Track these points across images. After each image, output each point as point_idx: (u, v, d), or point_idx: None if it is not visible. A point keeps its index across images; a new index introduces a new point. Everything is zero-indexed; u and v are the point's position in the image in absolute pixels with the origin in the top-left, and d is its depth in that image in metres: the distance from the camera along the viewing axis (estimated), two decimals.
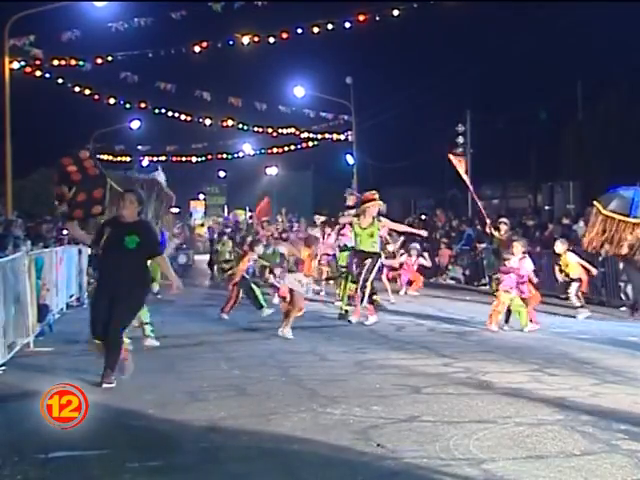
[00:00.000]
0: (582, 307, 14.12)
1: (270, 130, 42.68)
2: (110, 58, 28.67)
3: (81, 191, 8.99)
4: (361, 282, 12.96)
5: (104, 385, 7.80)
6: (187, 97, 35.48)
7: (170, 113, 37.54)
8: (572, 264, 14.22)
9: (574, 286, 14.18)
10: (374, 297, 13.71)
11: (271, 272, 12.96)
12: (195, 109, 37.82)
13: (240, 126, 41.22)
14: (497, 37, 39.06)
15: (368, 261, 13.02)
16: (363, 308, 13.22)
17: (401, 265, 19.49)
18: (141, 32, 26.46)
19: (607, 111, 33.12)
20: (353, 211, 14.77)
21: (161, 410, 7.00)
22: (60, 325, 12.81)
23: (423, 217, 28.29)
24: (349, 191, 17.26)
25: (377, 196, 13.46)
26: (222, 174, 62.99)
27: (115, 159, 49.26)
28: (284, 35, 27.80)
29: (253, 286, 14.13)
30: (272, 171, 57.24)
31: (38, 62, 28.14)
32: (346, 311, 13.50)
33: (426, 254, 21.12)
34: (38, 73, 28.93)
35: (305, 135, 44.27)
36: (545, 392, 7.57)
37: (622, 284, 15.28)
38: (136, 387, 7.98)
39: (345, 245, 15.48)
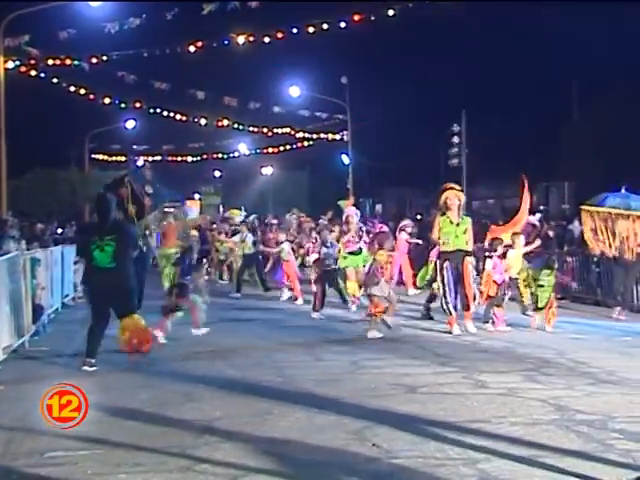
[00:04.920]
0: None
1: (265, 130, 42.74)
2: (105, 58, 28.68)
3: None
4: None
5: None
6: (182, 97, 35.54)
7: (165, 113, 37.58)
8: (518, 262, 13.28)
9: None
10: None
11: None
12: (190, 109, 37.86)
13: (235, 126, 41.26)
14: (493, 37, 39.16)
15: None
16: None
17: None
18: (136, 32, 26.48)
19: (602, 111, 33.19)
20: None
21: (156, 410, 7.00)
22: (55, 325, 12.79)
23: (418, 217, 28.30)
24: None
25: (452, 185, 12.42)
26: (217, 174, 62.99)
27: (110, 159, 49.31)
28: (279, 35, 27.84)
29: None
30: (267, 171, 57.25)
31: (33, 62, 28.13)
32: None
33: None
34: (33, 73, 28.94)
35: (300, 135, 44.34)
36: (540, 392, 7.57)
37: (616, 284, 15.28)
38: (131, 387, 7.99)
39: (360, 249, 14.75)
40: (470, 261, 11.95)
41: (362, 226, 15.38)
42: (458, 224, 11.87)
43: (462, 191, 12.41)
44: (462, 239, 11.85)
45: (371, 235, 14.19)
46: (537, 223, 15.60)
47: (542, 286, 12.24)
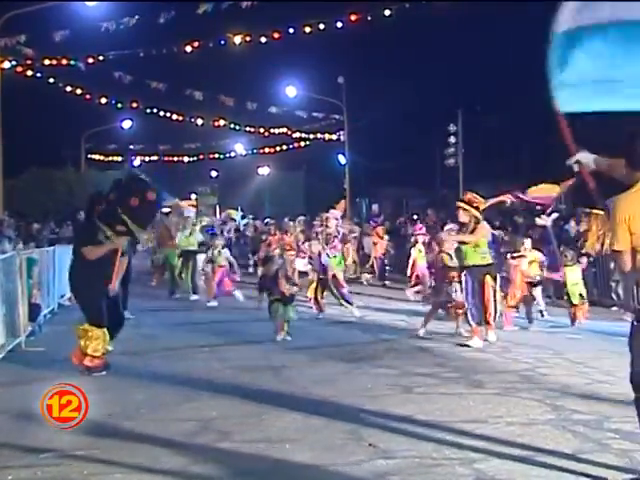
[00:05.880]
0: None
1: (262, 130, 42.75)
2: (102, 58, 28.69)
3: None
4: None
5: None
6: (179, 97, 35.58)
7: (162, 113, 37.60)
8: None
9: (539, 289, 13.28)
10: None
11: None
12: (187, 109, 37.89)
13: (232, 126, 41.28)
14: (489, 37, 39.16)
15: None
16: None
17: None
18: (132, 31, 26.51)
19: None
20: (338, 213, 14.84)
21: (152, 410, 7.00)
22: (52, 325, 12.76)
23: (415, 217, 28.27)
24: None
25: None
26: (214, 174, 62.99)
27: (107, 159, 49.31)
28: (276, 35, 27.88)
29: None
30: (264, 171, 57.20)
31: (29, 62, 28.12)
32: None
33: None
34: (29, 73, 28.91)
35: (297, 135, 44.34)
36: (536, 391, 7.57)
37: (613, 284, 15.32)
38: (128, 387, 7.98)
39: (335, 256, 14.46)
40: (489, 281, 11.02)
41: (340, 231, 15.23)
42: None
43: (474, 205, 11.22)
44: (477, 253, 11.10)
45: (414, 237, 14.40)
46: (548, 225, 15.26)
47: (576, 283, 12.53)
